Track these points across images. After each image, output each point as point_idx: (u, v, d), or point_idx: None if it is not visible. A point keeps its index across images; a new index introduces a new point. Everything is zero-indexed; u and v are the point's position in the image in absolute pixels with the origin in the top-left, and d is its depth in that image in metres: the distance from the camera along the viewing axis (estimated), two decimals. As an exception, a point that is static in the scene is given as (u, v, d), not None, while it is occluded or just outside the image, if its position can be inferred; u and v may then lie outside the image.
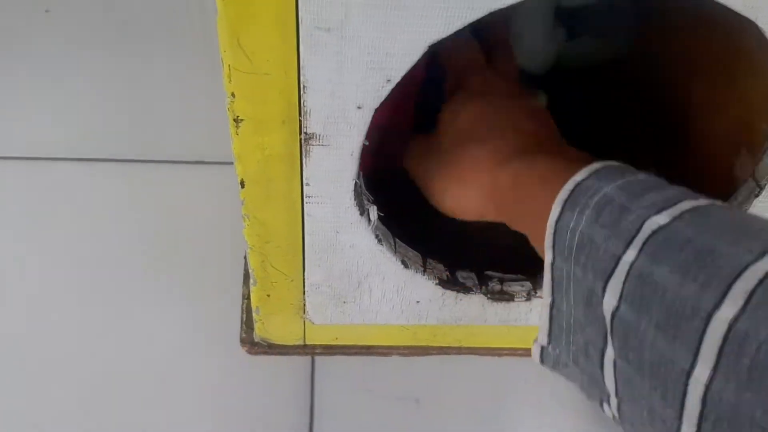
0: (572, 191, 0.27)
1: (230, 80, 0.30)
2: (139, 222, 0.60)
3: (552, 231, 0.27)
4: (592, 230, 0.25)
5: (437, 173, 0.36)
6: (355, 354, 0.49)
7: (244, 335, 0.49)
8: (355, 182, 0.34)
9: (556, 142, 0.35)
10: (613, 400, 0.25)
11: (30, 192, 0.62)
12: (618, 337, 0.24)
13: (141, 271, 0.57)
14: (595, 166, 0.28)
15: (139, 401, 0.50)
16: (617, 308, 0.23)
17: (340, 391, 0.51)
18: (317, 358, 0.52)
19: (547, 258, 0.28)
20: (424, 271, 0.41)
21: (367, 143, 0.33)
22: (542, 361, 0.29)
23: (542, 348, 0.29)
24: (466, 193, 0.35)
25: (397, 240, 0.40)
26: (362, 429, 0.51)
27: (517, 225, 0.32)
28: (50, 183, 0.63)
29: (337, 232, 0.37)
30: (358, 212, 0.36)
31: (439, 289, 0.41)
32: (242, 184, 0.35)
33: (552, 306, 0.28)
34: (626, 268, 0.24)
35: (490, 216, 0.35)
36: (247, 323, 0.49)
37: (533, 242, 0.31)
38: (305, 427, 0.50)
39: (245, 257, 0.51)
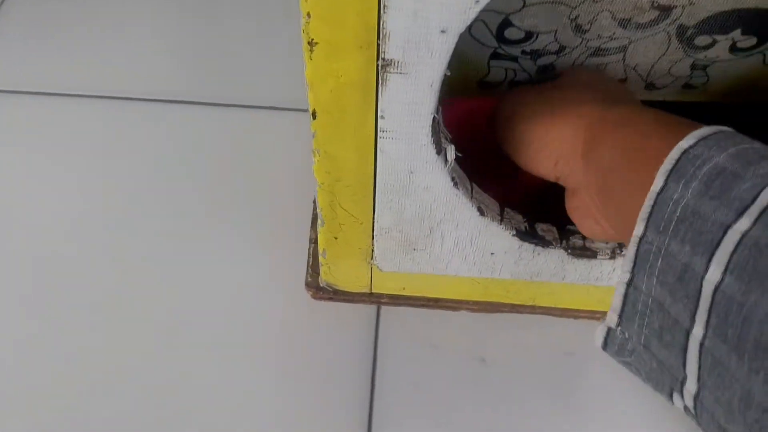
0: (678, 160, 0.24)
1: (306, -2, 0.28)
2: (210, 164, 0.60)
3: (651, 203, 0.24)
4: (699, 202, 0.22)
5: (535, 117, 0.35)
6: (422, 306, 0.48)
7: (309, 279, 0.48)
8: (434, 117, 0.32)
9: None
10: (692, 387, 0.22)
11: (106, 130, 0.63)
12: (717, 313, 0.21)
13: (211, 213, 0.57)
14: (704, 131, 0.25)
15: (203, 343, 0.50)
16: (721, 281, 0.21)
17: (404, 344, 0.50)
18: (382, 309, 0.51)
19: (637, 230, 0.25)
20: (501, 220, 0.38)
21: (449, 74, 0.30)
22: (605, 345, 0.27)
23: (609, 330, 0.26)
24: (562, 131, 0.32)
25: (474, 185, 0.37)
26: (425, 384, 0.49)
27: (606, 180, 0.29)
28: (125, 122, 0.64)
29: (411, 172, 0.35)
30: (435, 151, 0.33)
31: (516, 241, 0.39)
32: (314, 115, 0.33)
33: (629, 284, 0.25)
34: (737, 237, 0.21)
35: (579, 169, 0.32)
36: (314, 267, 0.48)
37: (616, 205, 0.28)
38: (367, 378, 0.49)
39: (314, 200, 0.50)
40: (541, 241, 0.39)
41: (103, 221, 0.56)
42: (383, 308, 0.50)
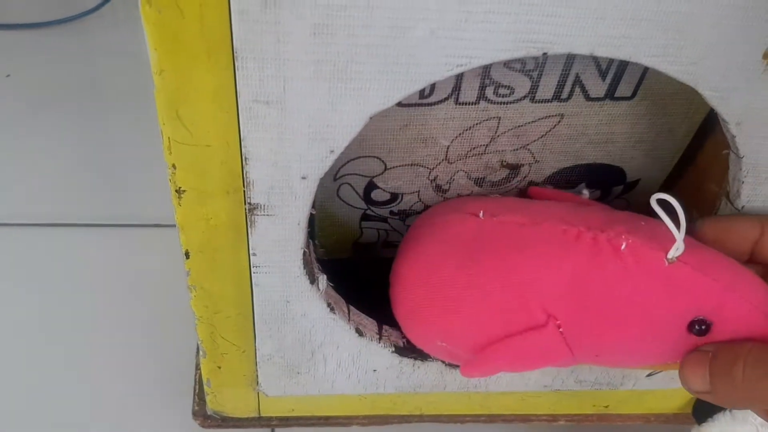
0: None
1: (170, 152, 0.29)
2: (96, 285, 0.59)
3: None
4: None
5: None
6: (313, 425, 0.47)
7: (196, 408, 0.47)
8: (304, 251, 0.33)
9: None
10: None
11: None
12: None
13: (93, 335, 0.55)
14: None
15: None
16: None
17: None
18: (277, 430, 0.50)
19: None
20: (380, 338, 0.40)
21: (314, 212, 0.32)
22: None
23: None
24: None
25: (351, 307, 0.39)
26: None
27: None
28: (5, 248, 0.61)
29: (288, 302, 0.36)
30: (308, 281, 0.35)
31: (396, 357, 0.40)
32: (187, 255, 0.34)
33: None
34: None
35: None
36: (200, 395, 0.47)
37: None
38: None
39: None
40: (420, 355, 0.41)
41: None
42: (276, 430, 0.49)
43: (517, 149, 0.37)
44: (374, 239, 0.43)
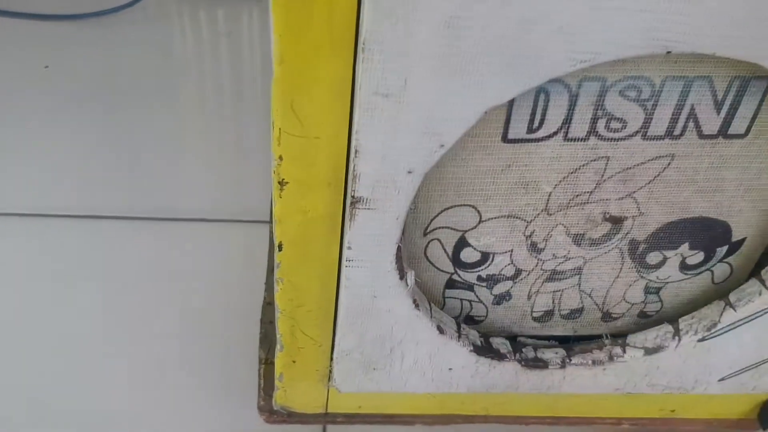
0: None
1: (279, 143, 0.29)
2: (143, 280, 0.59)
3: None
4: None
5: None
6: (377, 423, 0.47)
7: (262, 403, 0.46)
8: (398, 246, 0.33)
9: None
10: None
11: (26, 248, 0.60)
12: None
13: (144, 333, 0.55)
14: None
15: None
16: None
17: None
18: (329, 428, 0.50)
19: None
20: (459, 336, 0.39)
21: (413, 207, 0.32)
22: None
23: None
24: None
25: (432, 305, 0.39)
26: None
27: None
28: (47, 239, 0.61)
29: (375, 297, 0.36)
30: (398, 276, 0.35)
31: (474, 356, 0.40)
32: (280, 247, 0.34)
33: None
34: None
35: None
36: (266, 390, 0.47)
37: None
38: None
39: (261, 320, 0.50)
40: (497, 355, 0.40)
41: (20, 343, 0.53)
42: (329, 426, 0.49)
43: (622, 198, 0.35)
44: (457, 313, 0.41)
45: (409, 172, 0.30)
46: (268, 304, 0.49)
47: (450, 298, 0.40)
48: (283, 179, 0.31)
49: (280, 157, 0.30)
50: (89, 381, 0.52)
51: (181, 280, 0.59)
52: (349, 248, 0.33)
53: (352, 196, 0.31)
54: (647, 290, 0.40)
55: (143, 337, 0.55)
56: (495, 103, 0.28)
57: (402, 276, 0.35)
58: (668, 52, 0.26)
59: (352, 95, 0.27)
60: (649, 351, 0.41)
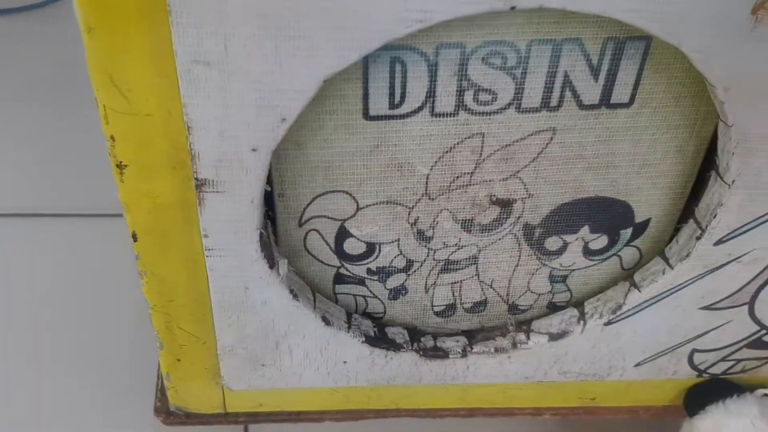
0: None
1: (107, 122, 0.27)
2: (44, 279, 0.56)
3: None
4: None
5: None
6: (284, 421, 0.45)
7: (158, 404, 0.44)
8: (260, 232, 0.31)
9: None
10: None
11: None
12: None
13: (44, 333, 0.53)
14: None
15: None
16: None
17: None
18: (251, 426, 0.48)
19: None
20: (349, 327, 0.37)
21: (269, 189, 0.30)
22: None
23: None
24: None
25: (317, 294, 0.36)
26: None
27: None
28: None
29: (246, 288, 0.34)
30: (267, 265, 0.32)
31: (367, 347, 0.38)
32: (134, 237, 0.31)
33: None
34: None
35: None
36: (162, 390, 0.44)
37: None
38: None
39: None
40: (392, 345, 0.38)
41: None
42: (251, 426, 0.47)
43: (507, 178, 0.33)
44: (351, 310, 0.38)
45: (254, 150, 0.27)
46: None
47: (342, 294, 0.38)
48: (120, 162, 0.28)
49: (112, 137, 0.27)
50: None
51: (80, 277, 0.57)
52: (206, 236, 0.31)
53: (196, 178, 0.28)
54: (552, 279, 0.38)
55: (40, 336, 0.52)
56: (332, 71, 0.25)
57: (272, 265, 0.33)
58: (513, 8, 0.24)
59: (175, 65, 0.25)
60: (554, 336, 0.39)
